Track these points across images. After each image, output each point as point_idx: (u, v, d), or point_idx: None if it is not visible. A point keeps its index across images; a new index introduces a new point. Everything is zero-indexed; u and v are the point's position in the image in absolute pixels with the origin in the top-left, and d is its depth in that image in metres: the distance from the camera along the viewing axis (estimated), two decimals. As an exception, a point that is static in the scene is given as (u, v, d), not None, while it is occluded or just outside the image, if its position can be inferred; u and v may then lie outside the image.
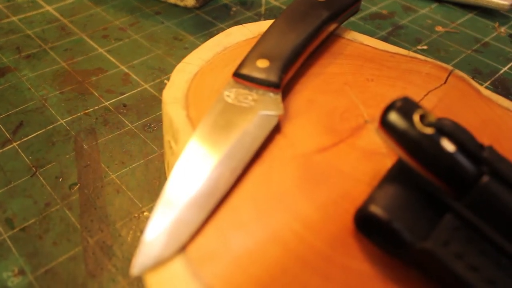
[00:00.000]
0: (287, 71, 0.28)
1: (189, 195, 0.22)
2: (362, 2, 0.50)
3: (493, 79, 0.41)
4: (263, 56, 0.28)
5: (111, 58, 0.41)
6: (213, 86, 0.29)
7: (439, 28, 0.47)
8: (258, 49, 0.29)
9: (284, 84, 0.28)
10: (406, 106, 0.23)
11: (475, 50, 0.45)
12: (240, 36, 0.34)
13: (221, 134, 0.24)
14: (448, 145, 0.22)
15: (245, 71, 0.27)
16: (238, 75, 0.28)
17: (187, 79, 0.30)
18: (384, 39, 0.45)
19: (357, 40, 0.34)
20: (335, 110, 0.28)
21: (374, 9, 0.49)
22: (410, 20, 0.48)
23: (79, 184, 0.30)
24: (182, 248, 0.21)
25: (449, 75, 0.32)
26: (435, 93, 0.30)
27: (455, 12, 0.50)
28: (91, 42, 0.43)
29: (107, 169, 0.31)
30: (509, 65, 0.43)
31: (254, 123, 0.25)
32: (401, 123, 0.22)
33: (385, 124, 0.22)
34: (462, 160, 0.22)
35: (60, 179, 0.30)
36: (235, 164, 0.23)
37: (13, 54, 0.41)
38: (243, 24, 0.35)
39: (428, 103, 0.30)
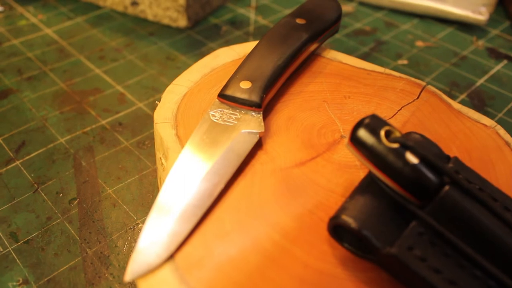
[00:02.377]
0: (268, 92, 0.30)
1: (177, 208, 0.24)
2: (347, 19, 0.53)
3: (469, 91, 0.43)
4: (245, 78, 0.30)
5: (107, 79, 0.43)
6: (200, 106, 0.31)
7: (419, 43, 0.49)
8: (241, 71, 0.31)
9: (265, 103, 0.30)
10: (374, 123, 0.25)
11: (453, 63, 0.47)
12: (227, 57, 0.36)
13: (207, 150, 0.27)
14: (412, 158, 0.24)
15: (229, 92, 0.30)
16: (222, 96, 0.30)
17: (176, 100, 0.32)
18: (367, 55, 0.47)
19: (336, 59, 0.36)
20: (313, 126, 0.31)
21: (358, 25, 0.52)
22: (392, 36, 0.50)
23: (78, 199, 0.32)
24: (171, 257, 0.23)
25: (421, 91, 0.34)
26: (408, 108, 0.33)
27: (435, 27, 0.52)
28: (88, 63, 0.45)
29: (104, 185, 0.33)
30: (485, 77, 0.45)
31: (237, 140, 0.27)
32: (368, 139, 0.24)
33: (354, 140, 0.25)
34: (425, 171, 0.24)
35: (61, 195, 0.33)
36: (219, 178, 0.26)
37: (15, 76, 0.43)
38: (230, 46, 0.37)
39: (401, 118, 0.32)
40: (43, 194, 0.33)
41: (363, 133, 0.25)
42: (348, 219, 0.24)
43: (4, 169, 0.34)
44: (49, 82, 0.43)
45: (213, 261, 0.23)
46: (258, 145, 0.29)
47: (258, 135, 0.28)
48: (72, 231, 0.30)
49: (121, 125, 0.38)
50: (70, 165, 0.35)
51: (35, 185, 0.33)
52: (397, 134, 0.25)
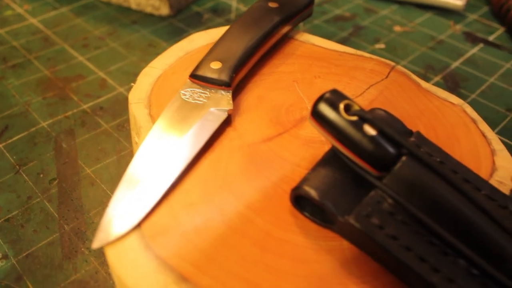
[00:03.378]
0: (238, 72, 0.31)
1: (145, 179, 0.25)
2: (327, 6, 0.53)
3: (444, 73, 0.44)
4: (216, 59, 0.31)
5: (90, 65, 0.44)
6: (174, 87, 0.32)
7: (397, 28, 0.50)
8: (212, 52, 0.32)
9: (235, 83, 0.31)
10: (333, 97, 0.26)
11: (430, 47, 0.48)
12: (202, 41, 0.37)
13: (176, 127, 0.28)
14: (370, 130, 0.25)
15: (200, 72, 0.31)
16: (194, 76, 0.31)
17: (151, 82, 0.33)
18: (345, 39, 0.48)
19: (309, 41, 0.38)
20: (282, 104, 0.32)
21: (337, 12, 0.53)
22: (370, 21, 0.51)
23: (57, 179, 0.33)
24: (138, 225, 0.24)
25: (390, 71, 0.35)
26: (376, 87, 0.34)
27: (414, 12, 0.53)
28: (72, 51, 0.46)
29: (83, 165, 0.35)
30: (460, 60, 0.46)
31: (205, 117, 0.29)
32: (328, 112, 0.25)
33: (314, 114, 0.26)
34: (383, 143, 0.25)
35: (41, 175, 0.34)
36: (186, 153, 0.27)
37: (0, 64, 0.44)
38: (206, 30, 0.38)
39: (369, 96, 0.33)
40: (24, 175, 0.34)
41: (323, 107, 0.26)
42: (309, 189, 0.25)
43: (-13, 152, 0.35)
44: (33, 69, 0.44)
45: (178, 230, 0.24)
46: (227, 123, 0.30)
47: (226, 113, 0.29)
48: (51, 209, 0.31)
49: (102, 109, 0.39)
50: (51, 147, 0.36)
51: (17, 166, 0.34)
52: (356, 108, 0.26)
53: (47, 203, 0.32)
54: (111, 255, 0.23)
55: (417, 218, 0.24)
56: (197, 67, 0.31)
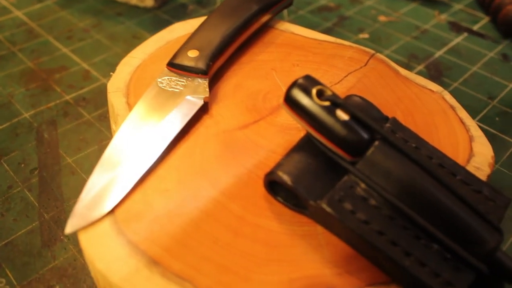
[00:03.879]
0: (215, 60, 0.31)
1: (119, 165, 0.25)
2: (312, -3, 0.54)
3: (427, 62, 0.45)
4: (194, 47, 0.32)
5: (74, 57, 0.44)
6: (152, 76, 0.33)
7: (382, 18, 0.50)
8: (190, 41, 0.32)
9: (212, 71, 0.31)
10: (306, 83, 0.26)
11: (414, 37, 0.48)
12: (182, 31, 0.37)
13: (152, 114, 0.28)
14: (342, 115, 0.25)
15: (177, 60, 0.31)
16: (171, 64, 0.31)
17: (130, 71, 0.33)
18: (329, 30, 0.48)
19: (289, 30, 0.38)
20: (260, 92, 0.32)
21: (322, 2, 0.53)
22: (355, 12, 0.51)
23: (38, 169, 0.34)
24: (111, 211, 0.24)
25: (369, 58, 0.35)
26: (355, 74, 0.34)
27: (399, 3, 0.53)
28: (56, 43, 0.46)
29: (64, 155, 0.35)
30: (444, 49, 0.46)
31: (181, 105, 0.29)
32: (301, 98, 0.26)
33: (287, 99, 0.26)
34: (355, 127, 0.25)
35: (22, 165, 0.34)
36: (162, 140, 0.27)
37: (-16, 57, 0.44)
38: (186, 20, 0.38)
39: (347, 83, 0.33)
40: (5, 165, 0.34)
41: (295, 93, 0.26)
42: (282, 175, 0.25)
43: (-31, 143, 0.36)
44: (17, 61, 0.44)
45: (151, 215, 0.24)
46: (204, 110, 0.30)
47: (202, 100, 0.29)
48: (32, 198, 0.32)
49: (84, 100, 0.39)
50: (33, 137, 0.36)
51: (-2, 156, 0.35)
52: (329, 93, 0.26)
53: (27, 192, 0.32)
54: (84, 240, 0.23)
55: (390, 203, 0.25)
56: (174, 56, 0.31)
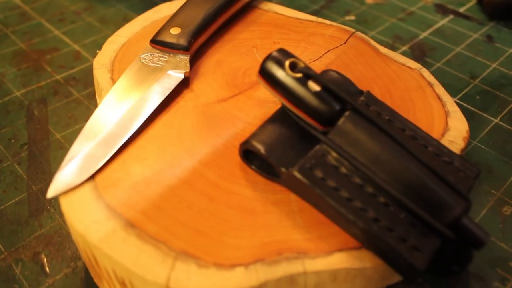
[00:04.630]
0: (197, 37, 0.32)
1: (100, 135, 0.27)
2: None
3: (411, 43, 0.45)
4: (176, 25, 0.33)
5: (65, 39, 0.46)
6: (137, 53, 0.34)
7: (369, 1, 0.51)
8: (173, 19, 0.33)
9: (194, 47, 0.32)
10: (279, 56, 0.27)
11: (400, 18, 0.49)
12: (168, 11, 0.38)
13: (134, 87, 0.29)
14: (314, 86, 0.26)
15: (160, 37, 0.32)
16: (154, 41, 0.32)
17: (115, 49, 0.34)
18: (316, 12, 0.49)
19: (272, 10, 0.39)
20: (240, 68, 0.33)
21: (311, -15, 0.54)
22: (343, -6, 0.52)
23: (28, 144, 0.35)
24: (92, 177, 0.25)
25: (349, 36, 0.36)
26: (334, 52, 0.35)
27: (387, -14, 0.54)
28: (48, 25, 0.47)
29: (53, 131, 0.36)
30: (429, 31, 0.47)
31: (162, 79, 0.30)
32: (274, 70, 0.27)
33: (262, 72, 0.27)
34: (326, 98, 0.26)
35: (12, 141, 0.35)
36: (142, 111, 0.28)
37: (-22, 38, 0.45)
38: (172, 1, 0.39)
39: (326, 60, 0.34)
40: (-4, 141, 0.35)
41: (269, 65, 0.27)
42: (256, 143, 0.27)
43: (-39, 120, 0.37)
44: (10, 43, 0.45)
45: (129, 182, 0.26)
46: (185, 85, 0.31)
47: (183, 75, 0.30)
48: (21, 171, 0.33)
49: (74, 79, 0.40)
50: (23, 115, 0.37)
51: (-11, 133, 0.36)
52: (302, 65, 0.27)
53: (16, 166, 0.33)
54: (65, 204, 0.24)
55: (359, 171, 0.26)
56: (157, 33, 0.32)
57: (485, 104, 0.39)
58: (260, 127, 0.27)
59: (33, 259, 0.28)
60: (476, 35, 0.47)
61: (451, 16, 0.49)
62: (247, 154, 0.27)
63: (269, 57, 0.27)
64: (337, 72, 0.31)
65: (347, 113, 0.26)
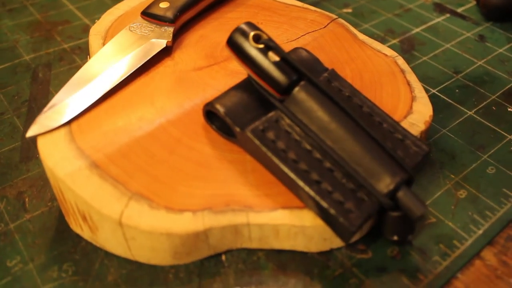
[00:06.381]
0: (183, 12, 0.35)
1: (82, 87, 0.30)
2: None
3: (402, 37, 0.47)
4: (166, 0, 0.36)
5: (78, 13, 0.49)
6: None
7: (369, -4, 0.53)
8: (164, -6, 0.36)
9: (180, 21, 0.35)
10: (246, 29, 0.29)
11: (396, 14, 0.51)
12: (166, -11, 0.41)
13: (119, 51, 0.32)
14: (274, 56, 0.29)
15: (149, 10, 0.35)
16: (144, 13, 0.35)
17: (111, 20, 0.38)
18: (316, 3, 0.51)
19: (262, -6, 0.41)
20: (220, 43, 0.36)
21: (316, -21, 0.56)
22: (345, -11, 0.54)
23: (29, 101, 0.38)
24: (67, 123, 0.29)
25: (330, 22, 0.38)
26: (312, 34, 0.37)
27: (390, -17, 0.56)
28: (64, 0, 0.51)
29: (53, 92, 0.39)
30: (422, 27, 0.49)
31: (145, 46, 0.33)
32: (239, 40, 0.29)
33: (229, 42, 0.30)
34: (284, 68, 0.29)
35: (16, 97, 0.39)
36: (122, 71, 0.31)
37: None
38: (172, -19, 0.42)
39: (302, 41, 0.36)
40: (1, 96, 0.39)
41: (236, 36, 0.29)
42: (218, 105, 0.29)
43: (-26, 77, 0.41)
44: (27, 13, 0.49)
45: (101, 130, 0.29)
46: (167, 54, 0.34)
47: (165, 44, 0.33)
48: (18, 123, 0.36)
49: (79, 49, 0.44)
50: (29, 76, 0.41)
51: (-4, 89, 0.40)
52: (265, 38, 0.29)
53: (16, 119, 0.37)
54: (41, 143, 0.28)
55: (309, 138, 0.28)
56: (148, 6, 0.36)
57: (463, 98, 0.40)
58: (224, 92, 0.30)
59: (16, 197, 0.31)
60: (468, 34, 0.48)
61: (447, 15, 0.51)
62: (210, 115, 0.30)
63: (236, 29, 0.29)
64: (306, 51, 0.33)
65: (302, 83, 0.29)
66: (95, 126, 0.29)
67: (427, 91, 0.40)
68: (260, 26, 0.37)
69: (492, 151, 0.35)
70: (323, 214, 0.26)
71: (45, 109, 0.29)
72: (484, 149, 0.35)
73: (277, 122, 0.28)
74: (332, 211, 0.25)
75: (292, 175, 0.26)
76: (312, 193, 0.26)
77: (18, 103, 0.38)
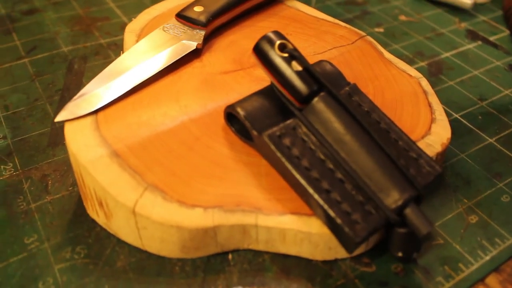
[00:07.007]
0: (216, 17, 0.37)
1: (111, 81, 0.31)
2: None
3: (431, 61, 0.47)
4: (200, 4, 0.37)
5: (118, 11, 0.51)
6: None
7: (402, 17, 0.54)
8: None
9: (212, 26, 0.37)
10: (272, 37, 0.30)
11: (427, 37, 0.51)
12: (202, -6, 0.43)
13: (150, 48, 0.34)
14: (297, 66, 0.30)
15: (184, 12, 0.37)
16: (178, 15, 0.37)
17: (148, 19, 0.39)
18: (349, 20, 0.52)
19: (295, 6, 0.42)
20: (249, 50, 0.37)
21: (351, -3, 0.57)
22: (379, 9, 0.55)
23: (62, 90, 0.40)
24: (94, 112, 0.30)
25: (358, 38, 0.39)
26: (339, 49, 0.38)
27: (425, 7, 0.56)
28: (106, -2, 0.54)
29: (86, 83, 0.41)
30: (453, 52, 0.49)
31: (176, 46, 0.34)
32: (265, 48, 0.30)
33: (255, 49, 0.31)
34: (306, 78, 0.29)
35: (50, 85, 0.41)
36: (151, 68, 0.32)
37: (44, 0, 0.52)
38: (209, -13, 0.44)
39: (329, 55, 0.37)
40: (37, 83, 0.41)
41: (262, 44, 0.30)
42: (238, 108, 0.30)
43: (14, 63, 0.43)
44: (70, 7, 0.51)
45: (125, 121, 0.30)
46: (196, 56, 0.35)
47: (195, 46, 0.34)
48: (50, 111, 0.38)
49: (115, 45, 0.46)
50: (65, 67, 0.43)
51: (33, 76, 0.42)
52: (290, 47, 0.30)
53: (48, 106, 0.39)
54: (67, 129, 0.29)
55: (324, 147, 0.28)
56: (183, 9, 0.37)
57: (485, 125, 0.40)
58: (247, 96, 0.31)
59: (40, 179, 0.33)
60: (498, 63, 0.48)
61: (479, 42, 0.51)
62: (230, 117, 0.31)
63: (263, 37, 0.30)
64: (330, 64, 0.34)
65: (322, 93, 0.29)
66: (120, 118, 0.30)
67: (450, 115, 0.40)
68: (289, 37, 0.38)
69: (509, 179, 0.35)
70: (330, 223, 0.27)
71: (75, 97, 0.30)
72: (501, 177, 0.35)
73: (294, 129, 0.29)
74: (338, 220, 0.26)
75: (303, 181, 0.27)
76: (321, 201, 0.26)
77: (52, 91, 0.40)
